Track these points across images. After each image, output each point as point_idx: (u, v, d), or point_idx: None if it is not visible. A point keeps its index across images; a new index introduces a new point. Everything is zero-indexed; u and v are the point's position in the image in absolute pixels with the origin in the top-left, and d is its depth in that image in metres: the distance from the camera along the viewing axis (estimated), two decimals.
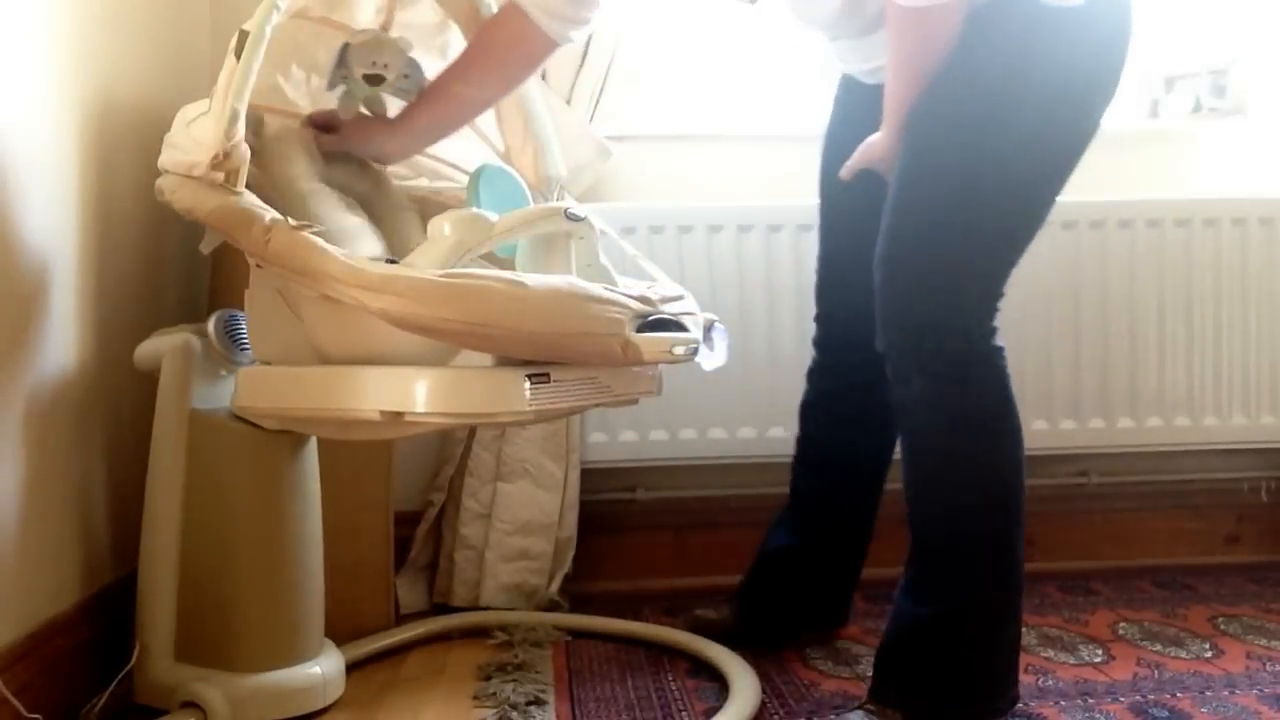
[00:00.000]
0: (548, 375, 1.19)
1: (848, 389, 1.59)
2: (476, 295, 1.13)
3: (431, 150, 1.63)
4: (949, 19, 1.26)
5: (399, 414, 1.20)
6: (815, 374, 1.67)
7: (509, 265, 1.37)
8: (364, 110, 1.54)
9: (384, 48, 1.48)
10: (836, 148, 1.55)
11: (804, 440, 1.67)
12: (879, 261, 1.33)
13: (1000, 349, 1.34)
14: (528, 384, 1.17)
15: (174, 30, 1.82)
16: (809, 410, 1.66)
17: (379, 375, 1.22)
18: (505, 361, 1.21)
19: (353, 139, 1.52)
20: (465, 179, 1.65)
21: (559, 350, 1.19)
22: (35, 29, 1.35)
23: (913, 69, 1.30)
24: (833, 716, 1.38)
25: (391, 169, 1.62)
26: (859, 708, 1.39)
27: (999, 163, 1.28)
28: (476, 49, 1.53)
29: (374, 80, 1.48)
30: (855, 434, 1.63)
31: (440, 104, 1.53)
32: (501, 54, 1.51)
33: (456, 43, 1.62)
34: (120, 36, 1.59)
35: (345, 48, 1.47)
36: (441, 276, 1.15)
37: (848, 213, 1.54)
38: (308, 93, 1.53)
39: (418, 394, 1.19)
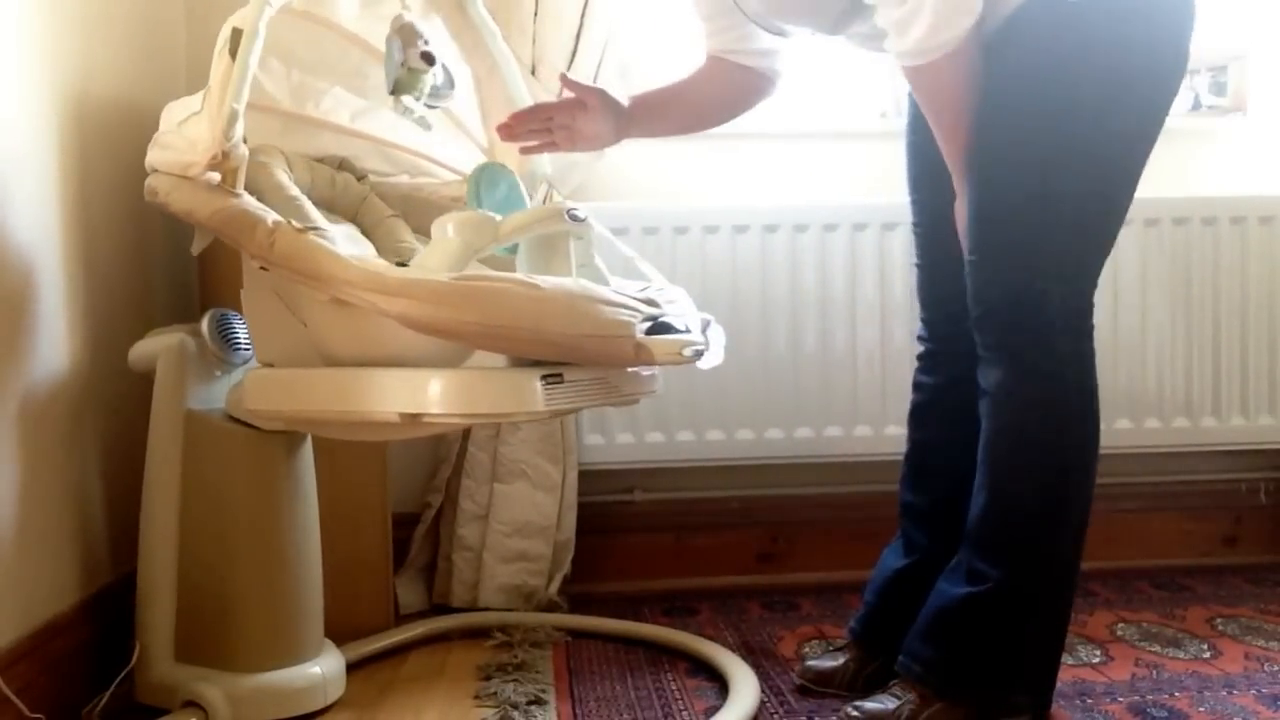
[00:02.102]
0: (561, 375, 1.21)
1: (957, 381, 1.48)
2: (493, 297, 1.15)
3: (411, 145, 1.63)
4: (948, 66, 1.30)
5: (417, 415, 1.22)
6: (921, 372, 1.59)
7: (506, 265, 1.38)
8: (415, 109, 1.50)
9: (418, 29, 1.47)
10: (913, 149, 1.57)
11: (915, 447, 1.58)
12: (967, 268, 1.36)
13: (1090, 351, 1.36)
14: (542, 384, 1.19)
15: (149, 27, 1.82)
16: (919, 413, 1.58)
17: (396, 377, 1.23)
18: (519, 362, 1.22)
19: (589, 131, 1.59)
20: (445, 175, 1.65)
21: (573, 351, 1.20)
22: (9, 27, 1.35)
23: (947, 119, 1.34)
24: (850, 711, 1.39)
25: (370, 165, 1.62)
26: (885, 691, 1.40)
27: (1058, 165, 1.30)
28: (700, 96, 1.64)
29: (429, 58, 1.44)
30: (968, 431, 1.49)
31: (667, 119, 1.67)
32: (729, 97, 1.64)
33: (439, 33, 1.61)
34: (95, 34, 1.60)
35: (395, 38, 1.44)
36: (457, 279, 1.16)
37: (934, 209, 1.53)
38: (287, 87, 1.52)
39: (435, 395, 1.21)
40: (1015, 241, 1.32)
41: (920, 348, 1.59)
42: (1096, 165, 1.31)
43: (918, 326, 1.60)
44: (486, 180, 1.46)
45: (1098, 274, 1.36)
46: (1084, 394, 1.36)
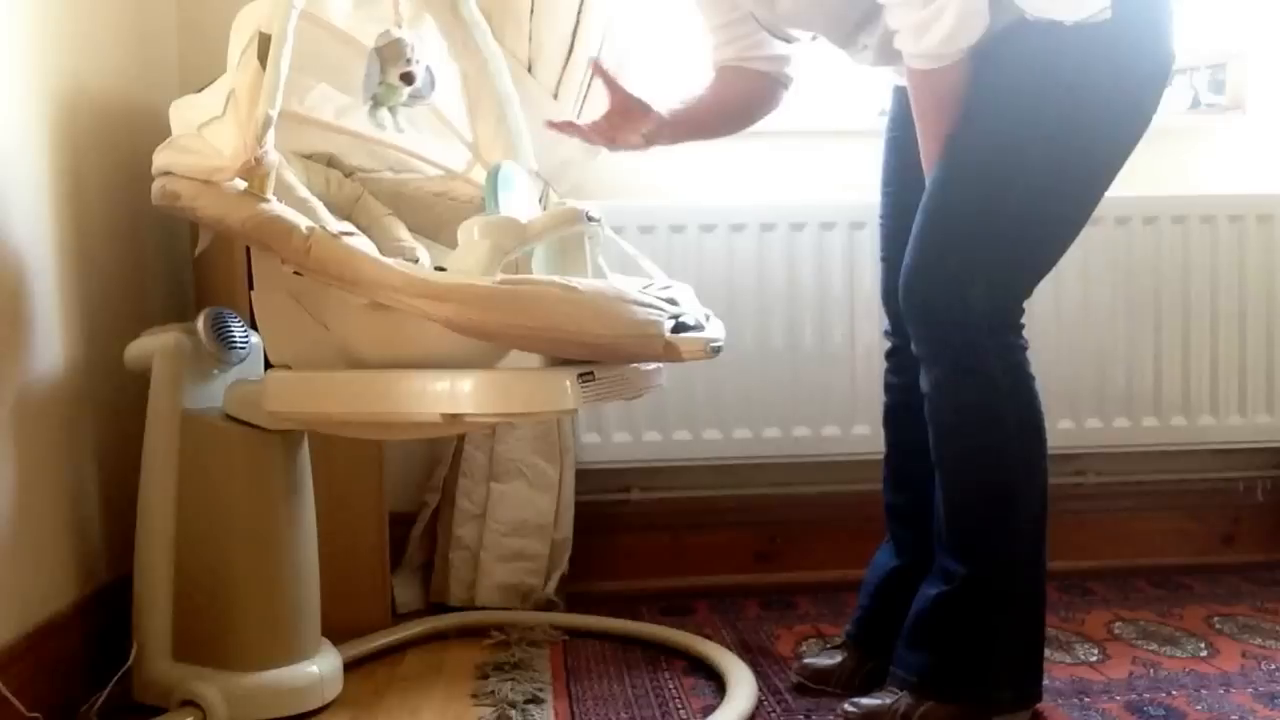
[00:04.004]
0: (593, 373, 1.24)
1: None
2: (537, 301, 1.18)
3: (395, 141, 1.62)
4: (954, 71, 1.33)
5: (458, 415, 1.24)
6: (890, 372, 1.60)
7: (519, 265, 1.39)
8: (388, 123, 1.51)
9: (407, 45, 1.48)
10: (892, 145, 1.60)
11: (892, 449, 1.60)
12: (905, 260, 1.39)
13: (1020, 345, 1.39)
14: (576, 383, 1.22)
15: (140, 25, 1.81)
16: (892, 415, 1.60)
17: (437, 379, 1.25)
18: (553, 361, 1.26)
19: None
20: (429, 170, 1.65)
21: (610, 351, 1.23)
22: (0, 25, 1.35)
23: (935, 121, 1.37)
24: (848, 708, 1.39)
25: (355, 161, 1.62)
26: (882, 688, 1.41)
27: (1016, 178, 1.33)
28: (717, 109, 1.63)
29: (408, 78, 1.47)
30: None
31: (686, 132, 1.66)
32: (747, 103, 1.64)
33: (434, 35, 1.61)
34: (86, 33, 1.59)
35: (375, 56, 1.47)
36: (500, 283, 1.19)
37: (903, 205, 1.55)
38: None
39: (477, 395, 1.23)
40: (952, 243, 1.35)
41: (887, 344, 1.60)
42: (1044, 186, 1.34)
43: (883, 323, 1.61)
44: (503, 180, 1.46)
45: (1033, 285, 1.40)
46: (1015, 384, 1.38)
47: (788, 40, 1.56)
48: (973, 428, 1.37)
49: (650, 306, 1.23)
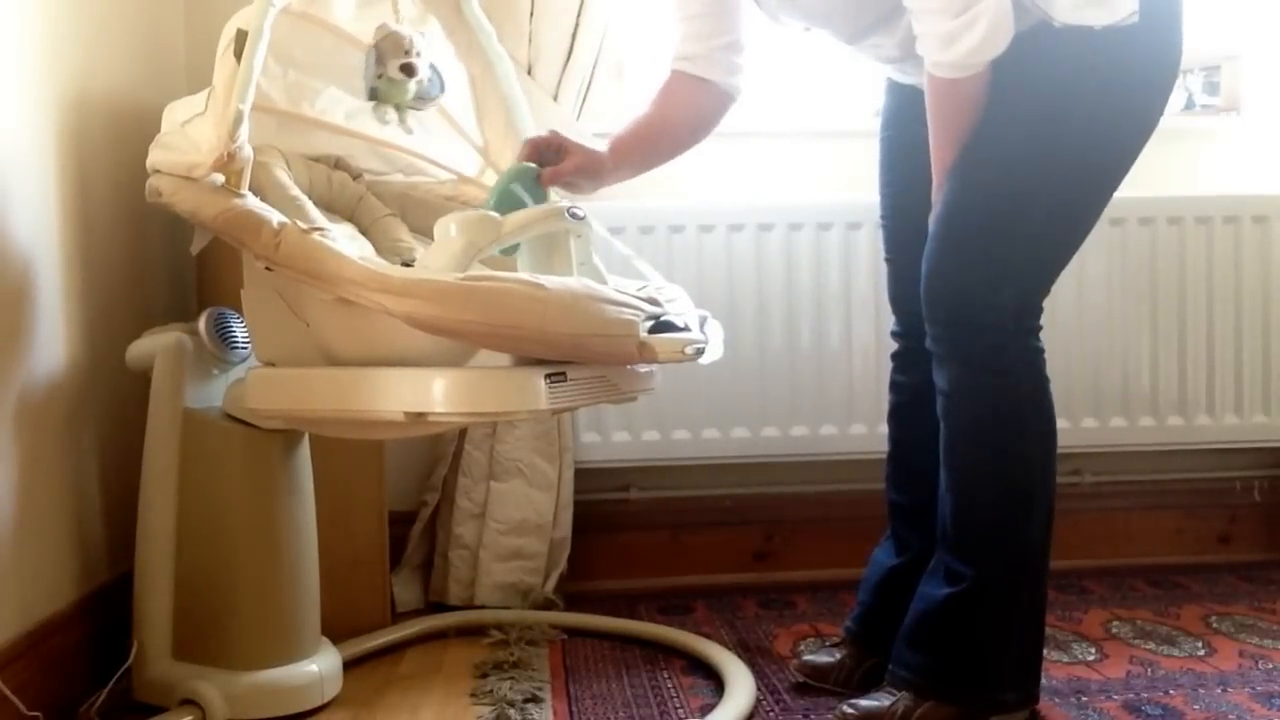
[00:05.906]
0: (565, 374, 1.22)
1: (930, 380, 1.49)
2: (498, 297, 1.15)
3: (405, 144, 1.63)
4: (978, 80, 1.33)
5: (422, 414, 1.22)
6: (897, 372, 1.60)
7: (506, 264, 1.38)
8: (392, 119, 1.51)
9: (405, 38, 1.48)
10: (887, 146, 1.60)
11: (896, 446, 1.60)
12: (926, 256, 1.38)
13: (1039, 348, 1.39)
14: (546, 383, 1.19)
15: (148, 27, 1.82)
16: (899, 413, 1.59)
17: (402, 376, 1.24)
18: (522, 361, 1.23)
19: (578, 170, 1.47)
20: (439, 174, 1.65)
21: (578, 350, 1.21)
22: (8, 28, 1.35)
23: (950, 132, 1.36)
24: (846, 709, 1.39)
25: (366, 165, 1.62)
26: (880, 688, 1.41)
27: (1047, 178, 1.33)
28: (661, 125, 1.56)
29: (409, 70, 1.46)
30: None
31: (636, 162, 1.58)
32: (691, 118, 1.57)
33: (438, 34, 1.61)
34: (94, 34, 1.60)
35: (373, 49, 1.47)
36: (463, 279, 1.16)
37: (902, 205, 1.56)
38: (283, 86, 1.52)
39: (440, 394, 1.21)
40: (980, 242, 1.35)
41: (895, 345, 1.61)
42: (1071, 186, 1.35)
43: (891, 323, 1.61)
44: (502, 198, 1.44)
45: (1053, 281, 1.40)
46: (1036, 387, 1.38)
47: (777, 22, 1.52)
48: (994, 430, 1.36)
49: (625, 306, 1.20)
